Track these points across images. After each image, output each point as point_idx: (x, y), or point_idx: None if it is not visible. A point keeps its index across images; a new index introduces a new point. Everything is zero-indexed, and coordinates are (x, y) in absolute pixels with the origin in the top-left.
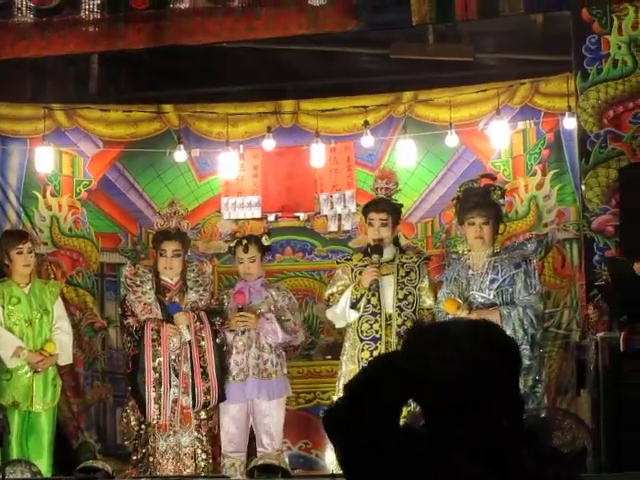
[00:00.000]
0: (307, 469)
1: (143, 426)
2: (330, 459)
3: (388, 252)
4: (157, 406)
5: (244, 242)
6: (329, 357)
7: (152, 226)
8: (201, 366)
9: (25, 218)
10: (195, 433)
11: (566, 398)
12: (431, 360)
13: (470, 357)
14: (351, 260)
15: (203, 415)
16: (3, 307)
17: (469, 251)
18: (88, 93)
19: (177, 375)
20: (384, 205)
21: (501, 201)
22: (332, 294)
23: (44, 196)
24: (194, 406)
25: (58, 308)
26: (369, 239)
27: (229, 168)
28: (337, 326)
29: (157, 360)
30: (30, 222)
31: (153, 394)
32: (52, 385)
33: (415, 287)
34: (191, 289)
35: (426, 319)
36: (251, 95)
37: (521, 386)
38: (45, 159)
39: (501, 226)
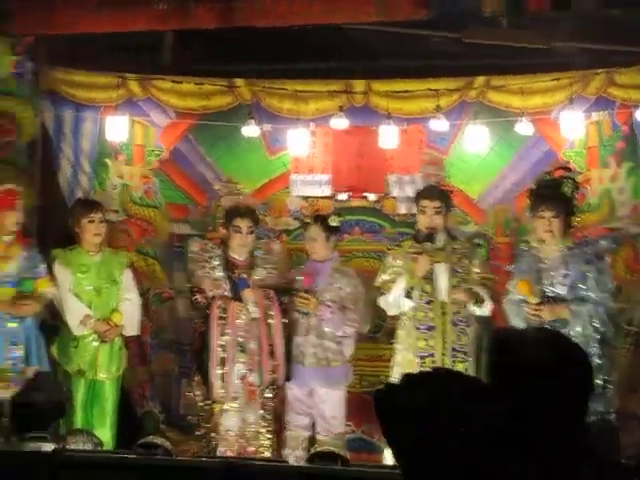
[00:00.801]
0: (369, 453)
1: (208, 402)
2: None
3: (440, 239)
4: (221, 384)
5: (307, 221)
6: (393, 341)
7: (220, 198)
8: (268, 344)
9: (97, 185)
10: (260, 411)
11: (636, 397)
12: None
13: (553, 369)
14: (402, 246)
15: (268, 394)
16: (72, 275)
17: (543, 241)
18: (162, 64)
19: (244, 352)
20: (437, 193)
21: (574, 194)
22: (384, 281)
23: (116, 164)
24: (260, 384)
25: (126, 279)
26: (421, 227)
27: (299, 145)
28: (390, 313)
29: (223, 338)
30: (102, 189)
31: (218, 372)
32: (118, 355)
33: (467, 274)
34: (259, 266)
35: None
36: (323, 73)
37: None
38: (118, 127)
39: (574, 219)
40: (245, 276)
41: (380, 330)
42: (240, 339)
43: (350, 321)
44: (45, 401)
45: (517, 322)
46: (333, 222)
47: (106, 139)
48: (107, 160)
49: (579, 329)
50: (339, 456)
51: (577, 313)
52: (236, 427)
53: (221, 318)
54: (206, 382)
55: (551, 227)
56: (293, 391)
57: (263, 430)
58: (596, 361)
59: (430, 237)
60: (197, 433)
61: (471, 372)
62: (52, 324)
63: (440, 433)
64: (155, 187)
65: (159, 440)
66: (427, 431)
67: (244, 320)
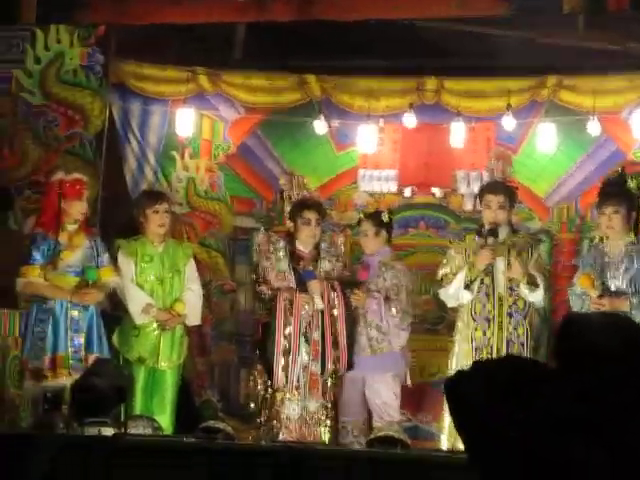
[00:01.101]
0: (425, 440)
1: (269, 390)
2: (447, 434)
3: (502, 233)
4: (284, 374)
5: (360, 216)
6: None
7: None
8: (332, 334)
9: (162, 178)
10: (321, 400)
11: None
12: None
13: (620, 354)
14: (464, 241)
15: (330, 383)
16: (136, 264)
17: (607, 238)
18: (232, 59)
19: (307, 342)
20: (501, 188)
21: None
22: (445, 274)
23: (182, 157)
24: (322, 373)
25: (190, 270)
26: (485, 221)
27: (368, 141)
28: (449, 305)
29: (287, 329)
30: (167, 182)
31: (282, 362)
32: (179, 343)
33: (525, 267)
34: (324, 258)
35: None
36: (394, 70)
37: None
38: (186, 121)
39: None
40: (311, 268)
41: (442, 322)
42: (304, 330)
43: (392, 312)
44: (107, 386)
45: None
46: (384, 218)
47: (173, 133)
48: (174, 153)
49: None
50: (399, 440)
51: (636, 305)
52: (297, 415)
53: (286, 310)
54: (268, 371)
55: (612, 223)
56: (347, 379)
57: (323, 418)
58: None
59: (493, 232)
60: (258, 420)
61: None
62: (113, 313)
63: (504, 418)
64: (220, 181)
65: (220, 425)
66: (492, 416)
67: (308, 311)
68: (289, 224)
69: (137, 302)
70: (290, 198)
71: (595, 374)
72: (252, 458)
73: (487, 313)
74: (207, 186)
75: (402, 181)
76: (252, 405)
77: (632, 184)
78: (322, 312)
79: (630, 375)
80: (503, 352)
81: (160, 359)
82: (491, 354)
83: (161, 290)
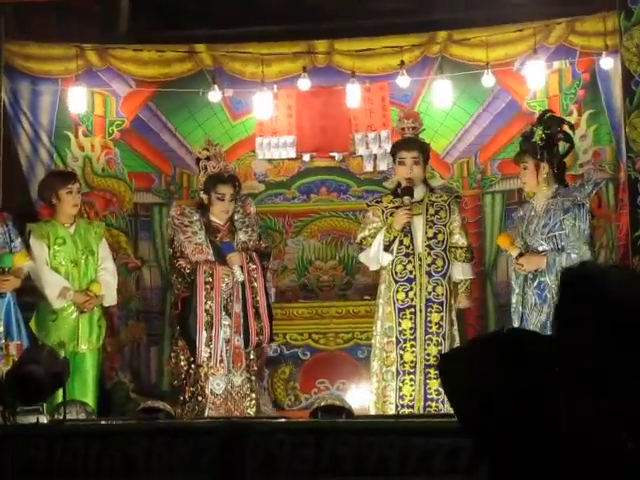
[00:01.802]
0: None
1: (193, 366)
2: (365, 400)
3: (418, 192)
4: (208, 349)
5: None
6: (367, 297)
7: (186, 166)
8: (254, 306)
9: (57, 158)
10: (246, 374)
11: None
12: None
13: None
14: (381, 202)
15: (252, 355)
16: (49, 247)
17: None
18: (118, 33)
19: (229, 315)
20: (414, 143)
21: (550, 141)
22: (364, 237)
23: (76, 136)
24: (246, 346)
25: (103, 249)
26: (400, 178)
27: (263, 108)
28: (371, 269)
29: (209, 303)
30: (63, 162)
31: (204, 337)
32: (97, 326)
33: (445, 225)
34: (240, 230)
35: (460, 257)
36: (284, 35)
37: None
38: (77, 99)
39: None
40: (228, 240)
41: (350, 287)
42: (225, 303)
43: None
44: (43, 373)
45: (511, 272)
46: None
47: (65, 112)
48: (67, 132)
49: (552, 277)
50: (343, 409)
51: (552, 264)
52: (222, 390)
53: (207, 283)
54: (191, 346)
55: (524, 179)
56: None
57: (248, 392)
58: None
59: (408, 190)
60: (181, 398)
61: (445, 325)
62: (26, 300)
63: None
64: (117, 157)
65: (160, 404)
66: (486, 395)
67: (229, 284)
68: (203, 196)
69: (53, 286)
70: (206, 169)
71: (599, 325)
72: (195, 436)
73: (408, 274)
74: (104, 164)
75: (300, 147)
76: (175, 382)
77: (536, 136)
78: (242, 284)
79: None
80: (424, 313)
81: (80, 342)
82: (414, 315)
83: (76, 272)
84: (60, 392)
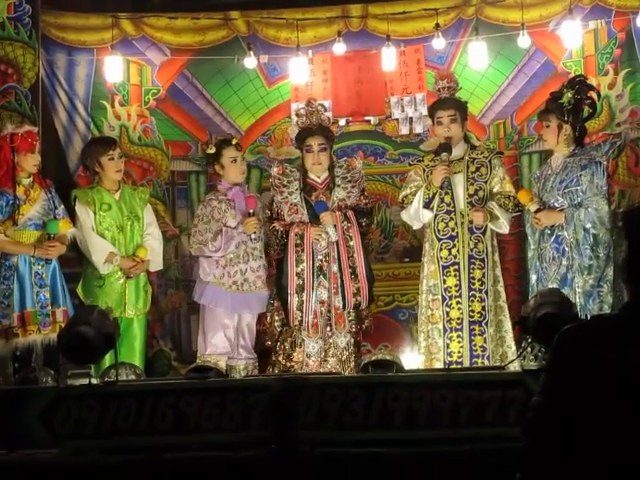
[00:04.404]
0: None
1: (286, 327)
2: (408, 361)
3: (458, 149)
4: (299, 312)
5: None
6: (407, 260)
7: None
8: (350, 267)
9: (94, 128)
10: (349, 335)
11: None
12: None
13: None
14: (423, 161)
15: (351, 316)
16: (95, 213)
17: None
18: (152, 2)
19: (325, 276)
20: (450, 102)
21: (577, 103)
22: (406, 196)
23: (112, 106)
24: (344, 307)
25: (148, 214)
26: (440, 138)
27: (299, 74)
28: (414, 228)
29: (300, 266)
30: (99, 132)
31: (295, 300)
32: (144, 291)
33: (486, 182)
34: (339, 186)
35: (510, 207)
36: (318, 0)
37: (580, 285)
38: (113, 69)
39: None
40: (324, 198)
41: (388, 250)
42: (321, 264)
43: None
44: (94, 334)
45: (527, 228)
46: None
47: (101, 81)
48: (104, 102)
49: (571, 233)
50: (394, 363)
51: (570, 219)
52: (315, 353)
53: (297, 245)
54: (285, 307)
55: (545, 136)
56: None
57: (355, 352)
58: (586, 262)
59: (447, 147)
60: (273, 359)
61: (487, 281)
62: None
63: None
64: (153, 126)
65: (211, 363)
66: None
67: (324, 244)
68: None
69: (100, 251)
70: (298, 125)
71: None
72: (247, 393)
73: (451, 231)
74: (140, 133)
75: (336, 111)
76: (268, 343)
77: (564, 98)
78: (337, 244)
79: None
80: (467, 270)
81: (127, 308)
82: (458, 272)
83: (122, 237)
84: (108, 356)
